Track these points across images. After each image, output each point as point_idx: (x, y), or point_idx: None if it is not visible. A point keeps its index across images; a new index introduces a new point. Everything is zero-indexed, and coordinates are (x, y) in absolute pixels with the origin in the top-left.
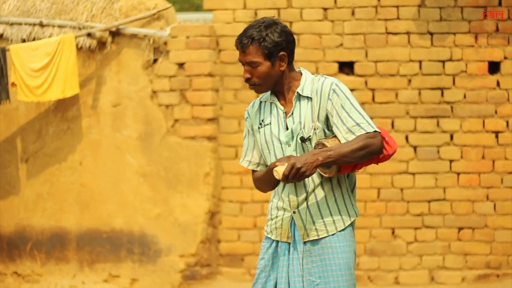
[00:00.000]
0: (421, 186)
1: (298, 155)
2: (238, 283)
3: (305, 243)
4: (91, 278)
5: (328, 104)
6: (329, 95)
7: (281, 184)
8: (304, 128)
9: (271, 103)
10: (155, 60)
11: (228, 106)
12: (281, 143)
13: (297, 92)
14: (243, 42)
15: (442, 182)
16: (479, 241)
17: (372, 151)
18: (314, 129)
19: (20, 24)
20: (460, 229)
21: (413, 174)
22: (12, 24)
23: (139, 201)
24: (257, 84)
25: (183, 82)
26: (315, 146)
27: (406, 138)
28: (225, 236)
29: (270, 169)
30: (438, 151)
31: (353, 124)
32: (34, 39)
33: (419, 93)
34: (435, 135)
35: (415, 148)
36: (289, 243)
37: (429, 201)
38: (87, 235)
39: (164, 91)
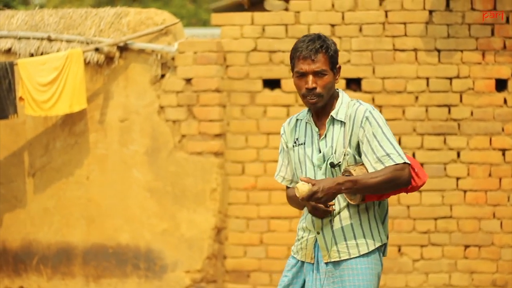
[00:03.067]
0: (427, 203)
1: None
2: None
3: (327, 264)
4: None
5: (360, 132)
6: (362, 122)
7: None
8: (335, 153)
9: (306, 122)
10: (162, 75)
11: (235, 122)
12: (313, 165)
13: (331, 115)
14: (314, 48)
15: (448, 200)
16: (486, 259)
17: (398, 184)
18: (345, 155)
19: (28, 38)
20: (466, 247)
21: (420, 191)
22: (20, 38)
23: (146, 216)
24: (320, 95)
25: (191, 98)
26: (342, 172)
27: (413, 155)
28: (231, 252)
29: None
30: (445, 169)
31: (383, 154)
32: (42, 54)
33: (426, 110)
34: (442, 152)
35: (422, 165)
36: (313, 264)
37: (435, 219)
38: (93, 250)
39: (171, 106)
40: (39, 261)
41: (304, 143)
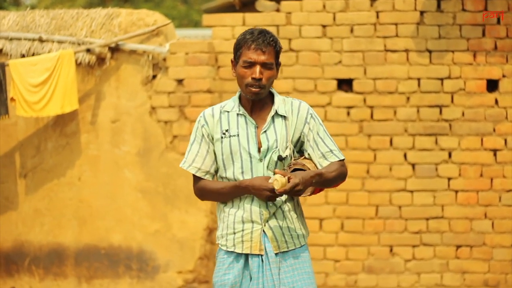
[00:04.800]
0: (419, 203)
1: (270, 172)
2: None
3: (276, 254)
4: None
5: (305, 127)
6: (306, 118)
7: (247, 198)
8: (279, 146)
9: (238, 114)
10: (154, 76)
11: None
12: (251, 157)
13: (275, 110)
14: (266, 40)
15: (440, 200)
16: (477, 259)
17: (343, 178)
18: (288, 148)
19: (19, 39)
20: (458, 247)
21: (411, 191)
22: (11, 39)
23: (137, 217)
24: (264, 86)
25: (182, 98)
26: (289, 165)
27: (405, 155)
28: None
29: (235, 186)
30: (437, 169)
31: (327, 150)
32: (33, 55)
33: (418, 111)
34: (433, 152)
35: (413, 165)
36: (261, 255)
37: (427, 219)
38: (85, 251)
39: (163, 107)
40: (31, 262)
41: (238, 134)
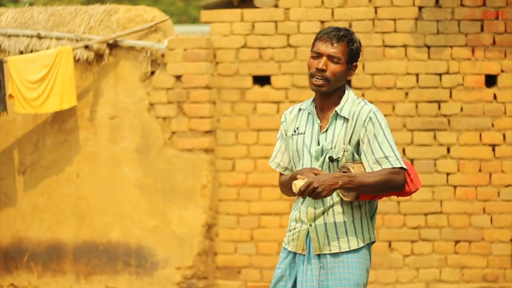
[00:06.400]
0: (417, 199)
1: (323, 170)
2: None
3: (318, 256)
4: None
5: (362, 131)
6: (364, 122)
7: None
8: (334, 147)
9: (309, 113)
10: (152, 73)
11: (225, 119)
12: (311, 156)
13: (335, 111)
14: (338, 34)
15: (438, 195)
16: (476, 254)
17: (392, 187)
18: (344, 151)
19: (17, 36)
20: (456, 242)
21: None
22: (9, 36)
23: (136, 214)
24: (327, 79)
25: (181, 95)
26: (340, 168)
27: (403, 151)
28: (221, 249)
29: (291, 178)
30: (435, 164)
31: (382, 156)
32: (31, 51)
33: (416, 106)
34: (432, 148)
35: (412, 161)
36: (304, 255)
37: (425, 214)
38: (84, 247)
39: (161, 103)
40: (30, 258)
41: (304, 132)
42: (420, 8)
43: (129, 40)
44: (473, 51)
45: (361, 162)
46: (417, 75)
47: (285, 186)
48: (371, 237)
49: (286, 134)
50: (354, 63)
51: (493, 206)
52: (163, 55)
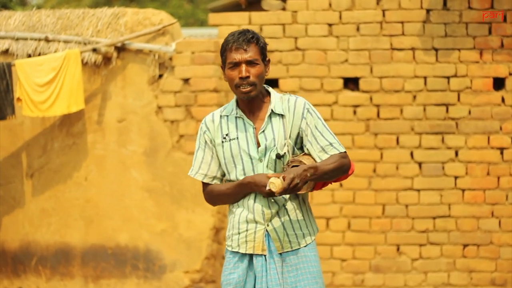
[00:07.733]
0: (426, 202)
1: (270, 171)
2: None
3: (280, 254)
4: None
5: (303, 123)
6: (303, 114)
7: (251, 197)
8: (277, 145)
9: (237, 117)
10: (160, 76)
11: None
12: (251, 158)
13: (271, 110)
14: (246, 38)
15: (447, 199)
16: (484, 258)
17: (344, 171)
18: (287, 146)
19: (25, 39)
20: (465, 246)
21: (418, 190)
22: (17, 39)
23: (144, 217)
24: (253, 83)
25: (188, 98)
26: (288, 162)
27: (411, 154)
28: None
29: (240, 185)
30: (443, 168)
31: (326, 144)
32: (39, 54)
33: (424, 109)
34: (440, 151)
35: (420, 164)
36: (264, 255)
37: (434, 218)
38: (92, 251)
39: (169, 106)
40: (38, 262)
41: (237, 137)
42: (428, 11)
43: (137, 43)
44: (481, 54)
45: (307, 154)
46: (425, 78)
47: (227, 194)
48: (317, 228)
49: (212, 143)
50: (267, 59)
51: (501, 209)
52: (171, 58)
